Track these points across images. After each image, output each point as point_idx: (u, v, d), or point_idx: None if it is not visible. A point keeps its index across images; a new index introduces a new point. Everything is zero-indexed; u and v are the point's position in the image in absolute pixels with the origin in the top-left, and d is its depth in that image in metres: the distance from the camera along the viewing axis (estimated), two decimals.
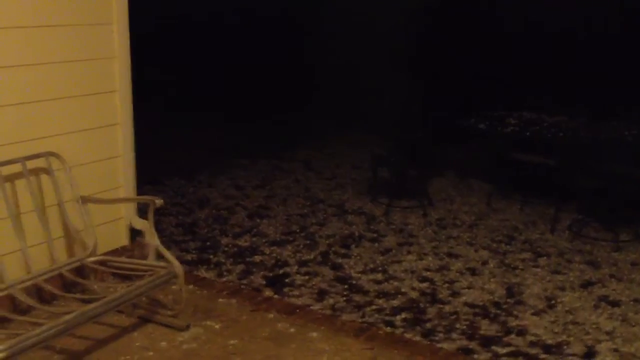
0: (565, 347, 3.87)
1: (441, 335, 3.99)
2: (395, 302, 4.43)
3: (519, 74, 9.49)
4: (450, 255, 5.32)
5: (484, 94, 8.82)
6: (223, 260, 5.10)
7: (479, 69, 9.22)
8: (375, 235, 5.74)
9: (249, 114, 9.84)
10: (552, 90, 9.57)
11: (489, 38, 9.28)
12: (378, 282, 4.75)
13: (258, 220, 6.01)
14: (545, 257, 5.29)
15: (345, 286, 4.67)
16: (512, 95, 8.68)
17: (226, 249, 5.34)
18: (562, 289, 4.70)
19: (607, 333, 4.05)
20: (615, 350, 3.85)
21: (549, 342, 3.93)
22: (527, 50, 9.96)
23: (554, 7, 9.11)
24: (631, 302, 4.49)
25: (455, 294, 4.59)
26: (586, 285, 4.77)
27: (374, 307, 4.35)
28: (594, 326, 4.14)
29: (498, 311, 4.33)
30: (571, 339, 3.97)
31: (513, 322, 4.17)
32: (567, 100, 8.21)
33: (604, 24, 9.44)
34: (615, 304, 4.47)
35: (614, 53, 9.76)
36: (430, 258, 5.25)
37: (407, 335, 3.97)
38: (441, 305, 4.40)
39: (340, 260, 5.14)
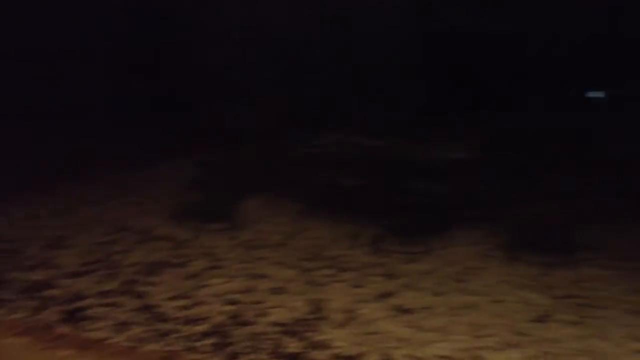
0: (364, 357, 4.06)
1: (246, 357, 4.01)
2: (201, 328, 4.38)
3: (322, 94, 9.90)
4: (258, 276, 5.38)
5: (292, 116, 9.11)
6: (12, 297, 4.73)
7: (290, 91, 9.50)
8: (182, 260, 5.66)
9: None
10: (355, 112, 10.10)
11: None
12: (184, 309, 4.68)
13: (55, 252, 5.66)
14: (348, 272, 5.53)
15: (149, 315, 4.54)
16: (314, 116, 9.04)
17: (17, 284, 4.97)
18: (363, 301, 4.94)
19: (401, 340, 4.32)
20: (409, 355, 4.11)
21: (350, 353, 4.10)
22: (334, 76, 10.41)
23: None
24: (422, 309, 4.83)
25: (261, 315, 4.64)
26: (383, 296, 5.06)
27: (178, 334, 4.27)
28: (389, 335, 4.39)
29: (303, 328, 4.44)
30: (370, 348, 4.18)
31: (317, 337, 4.31)
32: (366, 121, 8.71)
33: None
34: (408, 312, 4.78)
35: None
36: (238, 280, 5.27)
37: None
38: (248, 327, 4.43)
39: (144, 289, 5.00)
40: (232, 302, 4.83)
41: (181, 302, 4.78)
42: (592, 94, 10.55)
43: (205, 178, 6.74)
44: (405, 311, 4.79)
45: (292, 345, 4.18)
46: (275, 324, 4.50)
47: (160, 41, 10.30)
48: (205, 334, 4.29)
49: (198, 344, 4.15)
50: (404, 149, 7.14)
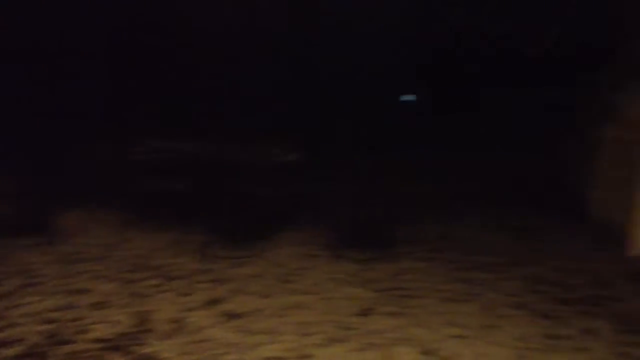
0: None
1: None
2: (14, 351, 4.07)
3: (142, 102, 9.63)
4: (77, 291, 5.10)
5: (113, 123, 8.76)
6: None
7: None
8: None
9: None
10: (179, 118, 9.93)
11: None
12: None
13: None
14: (174, 281, 5.41)
15: None
16: (139, 124, 8.76)
17: None
18: (189, 309, 4.85)
19: (231, 345, 4.31)
20: (239, 359, 4.11)
21: None
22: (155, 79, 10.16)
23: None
24: (251, 313, 4.85)
25: (82, 332, 4.40)
26: (211, 303, 5.01)
27: None
28: (219, 341, 4.36)
29: (127, 342, 4.28)
30: (199, 357, 4.12)
31: (143, 350, 4.17)
32: (194, 127, 8.60)
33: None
34: (238, 316, 4.78)
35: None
36: (55, 297, 4.96)
37: None
38: (67, 346, 4.18)
39: None
40: (49, 321, 4.53)
41: None
42: (405, 98, 11.32)
43: (14, 189, 6.28)
44: (234, 316, 4.78)
45: None
46: (97, 340, 4.29)
47: None
48: (20, 357, 3.98)
49: None
50: (230, 153, 7.12)
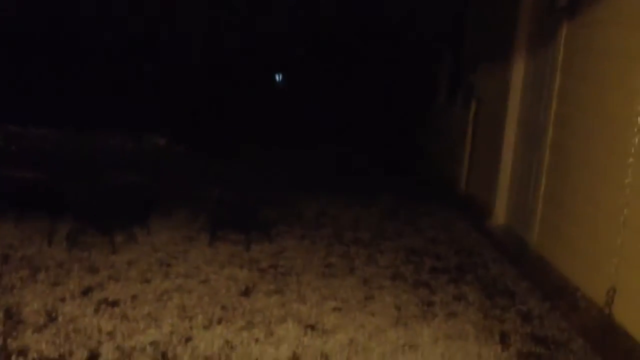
0: (68, 356, 3.82)
1: None
2: None
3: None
4: None
5: None
6: None
7: None
8: None
9: None
10: (36, 103, 9.45)
11: None
12: None
13: None
14: (43, 271, 5.14)
15: None
16: None
17: None
18: (63, 299, 4.64)
19: (108, 333, 4.16)
20: (117, 347, 3.98)
21: (52, 356, 3.83)
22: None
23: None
24: (129, 299, 4.71)
25: None
26: (86, 291, 4.82)
27: None
28: (95, 330, 4.20)
29: None
30: (74, 347, 3.95)
31: (14, 344, 3.93)
32: (52, 113, 8.19)
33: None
34: (114, 304, 4.63)
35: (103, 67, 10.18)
36: None
37: None
38: None
39: None
40: None
41: None
42: None
43: None
44: (111, 304, 4.63)
45: None
46: None
47: None
48: None
49: None
50: (95, 139, 6.83)
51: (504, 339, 4.45)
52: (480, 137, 7.97)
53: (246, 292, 5.00)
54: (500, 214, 6.95)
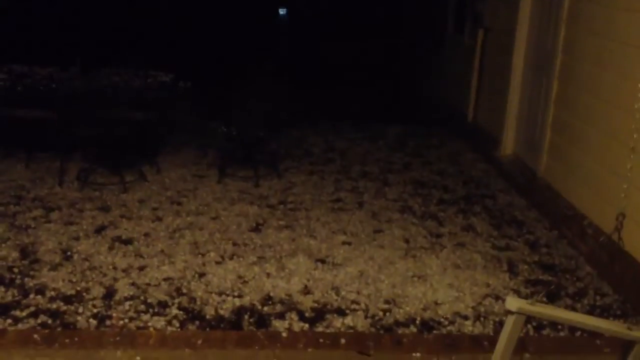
0: (85, 293, 3.93)
1: None
2: None
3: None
4: None
5: None
6: None
7: None
8: None
9: None
10: (34, 42, 9.37)
11: None
12: None
13: None
14: (56, 211, 5.21)
15: None
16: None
17: None
18: (77, 238, 4.72)
19: (123, 270, 4.26)
20: (133, 283, 4.08)
21: (69, 292, 3.93)
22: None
23: None
24: (142, 237, 4.79)
25: None
26: (100, 230, 4.90)
27: None
28: (110, 267, 4.29)
29: (14, 275, 4.12)
30: (90, 284, 4.05)
31: (31, 283, 4.03)
32: (57, 51, 8.12)
33: None
34: (128, 242, 4.71)
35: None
36: None
37: None
38: None
39: None
40: None
41: None
42: None
43: None
44: (125, 241, 4.71)
45: (4, 295, 3.87)
46: None
47: None
48: None
49: None
50: (96, 77, 6.76)
51: (511, 268, 4.52)
52: (488, 67, 7.87)
53: (257, 228, 5.07)
54: (508, 144, 6.92)
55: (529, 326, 3.73)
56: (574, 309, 3.97)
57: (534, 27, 6.50)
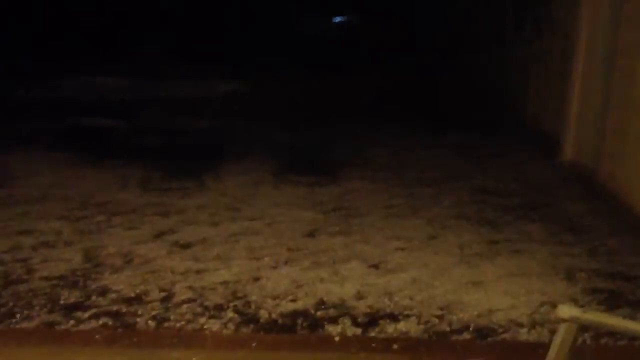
0: (144, 296, 4.05)
1: (19, 316, 3.79)
2: None
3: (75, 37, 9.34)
4: (22, 232, 5.04)
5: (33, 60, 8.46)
6: None
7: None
8: None
9: None
10: (114, 54, 9.68)
11: None
12: None
13: None
14: (119, 216, 5.40)
15: None
16: (66, 60, 8.51)
17: None
18: (138, 242, 4.88)
19: (182, 274, 4.37)
20: (190, 287, 4.19)
21: (130, 295, 4.06)
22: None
23: None
24: (200, 242, 4.91)
25: (33, 271, 4.38)
26: (159, 235, 5.04)
27: None
28: (169, 271, 4.42)
29: (77, 278, 4.29)
30: (149, 287, 4.17)
31: (93, 285, 4.19)
32: (130, 63, 8.39)
33: None
34: (186, 246, 4.84)
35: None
36: (1, 239, 4.89)
37: None
38: (19, 285, 4.17)
39: None
40: None
41: None
42: None
43: None
44: (184, 246, 4.84)
45: (70, 296, 4.03)
46: (49, 278, 4.28)
47: None
48: None
49: None
50: (156, 88, 6.99)
51: (569, 276, 4.42)
52: (548, 70, 7.73)
53: (312, 234, 5.12)
54: (569, 149, 6.78)
55: (586, 335, 3.65)
56: (633, 319, 3.85)
57: (595, 29, 6.36)
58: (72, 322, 3.73)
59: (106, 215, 5.42)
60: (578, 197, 6.00)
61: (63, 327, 3.68)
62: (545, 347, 3.53)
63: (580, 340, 3.59)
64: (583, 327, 3.41)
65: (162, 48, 10.31)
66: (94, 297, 4.02)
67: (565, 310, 2.52)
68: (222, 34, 11.59)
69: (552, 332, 3.70)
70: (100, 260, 4.56)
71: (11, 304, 3.92)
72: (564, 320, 2.53)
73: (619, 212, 5.21)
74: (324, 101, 7.45)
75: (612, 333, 3.59)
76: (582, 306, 3.79)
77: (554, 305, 4.01)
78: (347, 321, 3.80)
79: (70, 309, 3.87)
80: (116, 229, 5.15)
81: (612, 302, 4.08)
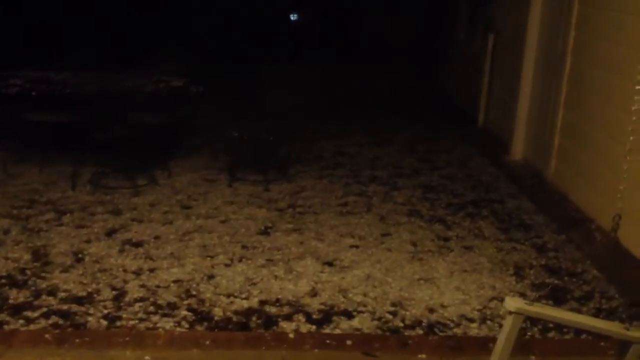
0: (95, 295, 3.99)
1: None
2: None
3: (23, 32, 9.13)
4: None
5: None
6: None
7: None
8: None
9: None
10: (57, 48, 9.49)
11: None
12: None
13: None
14: (69, 214, 5.30)
15: None
16: (15, 54, 8.31)
17: None
18: (88, 241, 4.80)
19: (134, 272, 4.32)
20: (142, 285, 4.14)
21: (80, 294, 4.00)
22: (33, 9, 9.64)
23: None
24: (152, 240, 4.86)
25: None
26: (110, 233, 4.97)
27: None
28: (121, 269, 4.36)
29: (26, 277, 4.20)
30: (100, 285, 4.11)
31: (43, 284, 4.11)
32: (72, 57, 8.24)
33: None
34: (138, 244, 4.78)
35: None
36: None
37: None
38: None
39: None
40: None
41: None
42: None
43: None
44: (135, 244, 4.78)
45: (17, 296, 3.94)
46: None
47: None
48: None
49: None
50: (110, 82, 6.86)
51: (518, 272, 4.53)
52: (498, 70, 7.89)
53: (266, 232, 5.12)
54: (518, 148, 6.93)
55: (535, 329, 3.75)
56: (579, 313, 3.98)
57: (544, 31, 6.52)
58: (21, 321, 3.65)
59: (55, 213, 5.31)
60: (527, 195, 6.15)
61: (12, 326, 3.60)
62: (495, 341, 3.62)
63: (528, 334, 3.69)
64: (531, 320, 3.53)
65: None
66: (43, 297, 3.95)
67: (512, 303, 2.60)
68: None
69: (501, 326, 3.79)
70: (50, 259, 4.47)
71: None
72: (511, 313, 2.61)
73: (566, 209, 5.36)
74: (276, 96, 7.44)
75: (560, 327, 3.70)
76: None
77: (503, 301, 4.10)
78: (301, 318, 3.82)
79: (19, 309, 3.79)
80: (66, 227, 5.05)
81: (559, 296, 4.20)
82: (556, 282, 4.41)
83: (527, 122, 6.81)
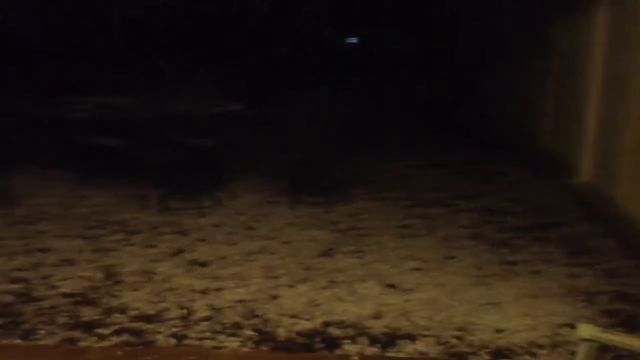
0: (164, 313, 4.08)
1: (42, 332, 3.83)
2: None
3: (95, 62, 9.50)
4: (42, 250, 5.10)
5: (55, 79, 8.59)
6: None
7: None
8: None
9: None
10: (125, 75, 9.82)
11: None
12: None
13: None
14: (138, 235, 5.45)
15: None
16: (78, 80, 8.65)
17: None
18: (157, 260, 4.92)
19: (200, 292, 4.40)
20: (209, 305, 4.22)
21: (150, 312, 4.09)
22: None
23: None
24: (217, 260, 4.94)
25: (52, 288, 4.42)
26: (178, 252, 5.09)
27: None
28: (188, 288, 4.45)
29: (98, 295, 4.33)
30: (169, 304, 4.20)
31: (114, 303, 4.22)
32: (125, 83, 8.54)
33: None
34: (204, 264, 4.87)
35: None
36: (20, 257, 4.95)
37: (3, 342, 3.71)
38: (39, 302, 4.21)
39: None
40: (18, 280, 4.54)
41: None
42: None
43: None
44: (201, 264, 4.87)
45: (89, 314, 4.06)
46: (68, 295, 4.32)
47: None
48: None
49: None
50: (166, 106, 7.08)
51: (588, 297, 4.41)
52: (562, 91, 7.76)
53: (327, 253, 5.14)
54: (585, 170, 6.78)
55: (606, 358, 3.64)
56: None
57: (610, 49, 6.40)
58: (93, 338, 3.76)
59: (125, 233, 5.47)
60: (596, 219, 5.99)
61: (84, 343, 3.71)
62: None
63: None
64: (603, 347, 3.43)
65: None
66: (114, 314, 4.06)
67: (586, 330, 2.54)
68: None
69: (573, 354, 3.70)
70: (120, 278, 4.60)
71: (33, 320, 3.96)
72: (584, 340, 2.55)
73: (636, 234, 5.20)
74: (329, 118, 7.52)
75: (633, 354, 3.58)
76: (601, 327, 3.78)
77: (573, 327, 4.00)
78: (365, 340, 3.81)
79: (91, 326, 3.91)
80: (133, 247, 5.19)
81: (631, 323, 4.07)
82: (628, 308, 4.28)
83: (594, 144, 6.66)
